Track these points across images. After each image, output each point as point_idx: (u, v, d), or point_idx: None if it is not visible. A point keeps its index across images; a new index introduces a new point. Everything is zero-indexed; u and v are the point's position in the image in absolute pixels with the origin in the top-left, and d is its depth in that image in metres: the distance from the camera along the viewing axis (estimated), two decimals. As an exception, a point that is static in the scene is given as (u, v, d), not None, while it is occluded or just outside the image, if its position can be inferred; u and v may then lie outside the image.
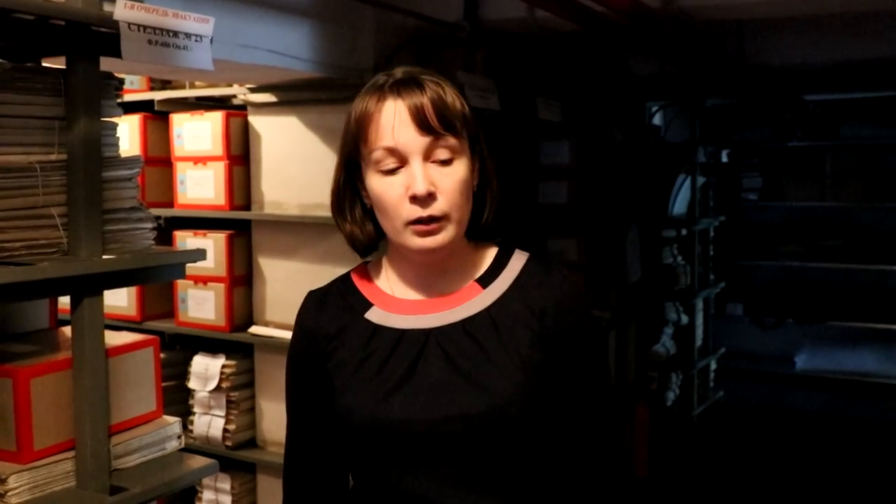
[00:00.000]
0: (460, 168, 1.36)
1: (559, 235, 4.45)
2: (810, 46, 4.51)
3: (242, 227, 3.76)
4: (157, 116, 3.86)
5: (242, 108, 3.76)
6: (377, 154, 1.34)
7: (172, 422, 2.24)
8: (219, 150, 3.67)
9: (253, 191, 3.72)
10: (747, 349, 6.64)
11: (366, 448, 1.41)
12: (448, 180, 1.34)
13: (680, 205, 5.74)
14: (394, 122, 1.33)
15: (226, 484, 3.80)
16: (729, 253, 6.66)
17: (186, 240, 3.75)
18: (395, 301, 1.44)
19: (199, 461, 2.24)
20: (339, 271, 3.49)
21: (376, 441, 1.38)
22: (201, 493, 3.86)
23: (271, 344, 3.68)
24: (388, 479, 1.39)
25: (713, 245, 6.25)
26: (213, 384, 3.73)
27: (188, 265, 2.14)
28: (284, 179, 3.64)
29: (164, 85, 3.89)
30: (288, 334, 3.52)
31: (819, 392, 6.28)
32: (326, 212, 3.43)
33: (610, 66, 4.93)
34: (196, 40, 1.88)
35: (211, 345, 3.79)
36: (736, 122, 6.60)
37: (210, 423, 3.76)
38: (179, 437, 2.28)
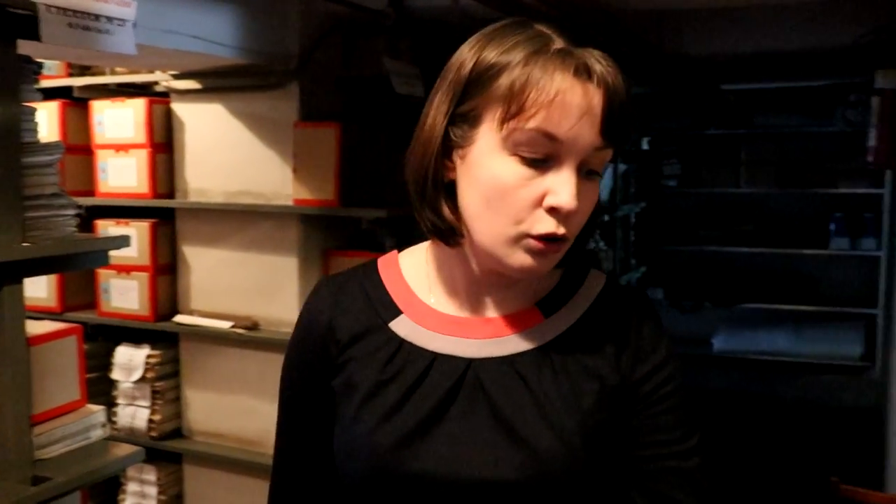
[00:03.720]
0: (598, 187, 1.08)
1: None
2: (727, 37, 4.62)
3: (166, 215, 3.71)
4: (76, 103, 3.77)
5: (165, 95, 3.70)
6: (531, 135, 1.01)
7: (97, 410, 2.22)
8: (141, 137, 3.61)
9: (177, 179, 3.67)
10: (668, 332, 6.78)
11: (366, 498, 1.12)
12: (589, 199, 1.06)
13: (602, 192, 5.82)
14: (576, 110, 1.00)
15: (151, 475, 3.76)
16: (650, 238, 6.79)
17: (108, 229, 3.68)
18: (431, 313, 1.15)
19: (124, 449, 2.22)
20: (267, 259, 3.54)
21: (382, 493, 1.09)
22: (126, 484, 3.81)
23: (197, 333, 3.65)
24: None
25: (635, 231, 6.37)
26: (137, 374, 3.67)
27: (111, 255, 2.11)
28: (209, 167, 3.60)
29: (84, 71, 3.80)
30: (213, 323, 3.53)
31: (735, 372, 6.47)
32: (252, 199, 3.47)
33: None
34: (118, 24, 1.84)
35: (135, 335, 3.74)
36: (656, 111, 6.72)
37: (135, 413, 3.70)
38: (104, 425, 2.26)
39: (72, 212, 1.98)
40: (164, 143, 3.66)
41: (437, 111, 1.08)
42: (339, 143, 3.34)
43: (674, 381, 1.13)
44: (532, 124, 1.00)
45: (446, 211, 1.08)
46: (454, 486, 1.05)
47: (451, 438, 1.07)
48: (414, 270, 1.19)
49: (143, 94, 3.73)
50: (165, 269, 3.69)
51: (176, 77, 3.60)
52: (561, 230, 1.02)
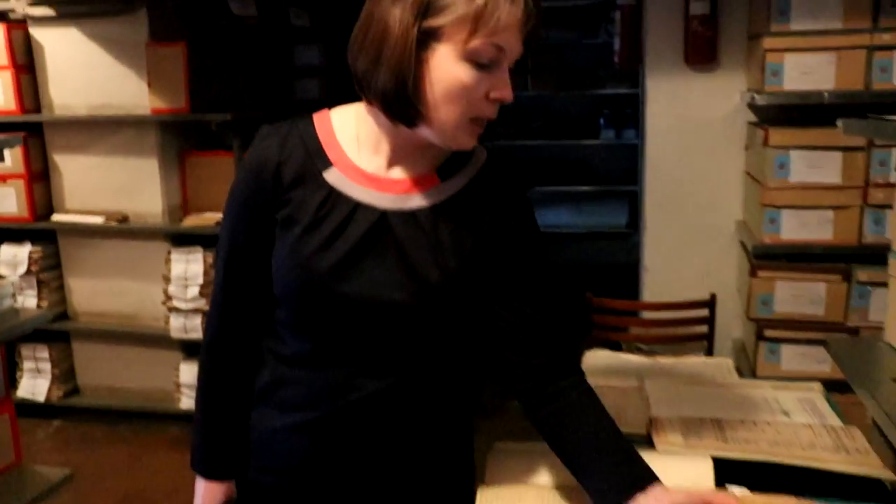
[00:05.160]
0: None
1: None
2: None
3: (36, 129, 3.80)
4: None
5: (23, 21, 3.74)
6: (487, 48, 1.13)
7: (5, 284, 2.43)
8: (4, 60, 3.68)
9: (42, 96, 3.78)
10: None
11: (299, 312, 1.27)
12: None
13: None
14: (517, 27, 1.14)
15: (44, 353, 3.94)
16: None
17: (-18, 143, 3.74)
18: (356, 168, 1.25)
19: (28, 312, 2.44)
20: (130, 162, 3.76)
21: (314, 308, 1.24)
22: (22, 363, 3.97)
23: (73, 229, 3.82)
24: (310, 344, 1.28)
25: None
26: (22, 269, 3.82)
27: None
28: (71, 85, 3.72)
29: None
30: (88, 219, 3.71)
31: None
32: (114, 111, 3.66)
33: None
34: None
35: (17, 235, 3.86)
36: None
37: (23, 302, 3.85)
38: (13, 295, 2.48)
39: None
40: (25, 64, 3.74)
41: (402, 25, 1.13)
42: (187, 59, 3.55)
43: (536, 233, 1.33)
44: (490, 40, 1.12)
45: (416, 102, 1.16)
46: (370, 304, 1.21)
47: (370, 269, 1.21)
48: (343, 129, 1.28)
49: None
50: (39, 176, 3.82)
51: (31, 4, 3.65)
52: (494, 116, 1.19)
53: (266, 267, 1.27)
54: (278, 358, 1.32)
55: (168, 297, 3.68)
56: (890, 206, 2.76)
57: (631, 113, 6.43)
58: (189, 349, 3.85)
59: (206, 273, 3.62)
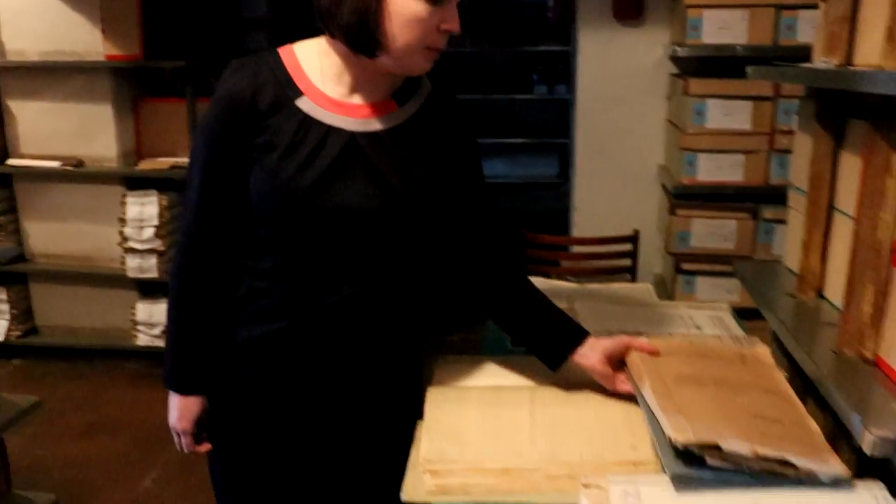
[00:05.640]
0: None
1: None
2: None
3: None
4: None
5: (-27, -32, 3.66)
6: None
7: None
8: (-47, 6, 3.60)
9: (-6, 42, 3.71)
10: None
11: (277, 227, 1.35)
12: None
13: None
14: None
15: (2, 295, 3.92)
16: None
17: (-65, 88, 3.67)
18: (323, 96, 1.33)
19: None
20: (85, 108, 3.74)
21: (296, 223, 1.32)
22: (-20, 304, 3.95)
23: (29, 173, 3.79)
24: (289, 257, 1.36)
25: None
26: (-22, 212, 3.78)
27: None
28: (23, 31, 3.66)
29: None
30: (43, 164, 3.68)
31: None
32: (68, 57, 3.60)
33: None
34: None
35: (-28, 179, 3.82)
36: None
37: (-20, 244, 3.82)
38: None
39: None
40: (-24, 11, 3.66)
41: None
42: (140, 6, 3.52)
43: (478, 148, 1.48)
44: None
45: (377, 34, 1.25)
46: (346, 215, 1.31)
47: (344, 185, 1.30)
48: (308, 61, 1.35)
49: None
50: (-7, 122, 3.77)
51: (-18, -48, 3.57)
52: (446, 44, 1.30)
53: (242, 191, 1.33)
54: (255, 273, 1.39)
55: (124, 239, 3.70)
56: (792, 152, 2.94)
57: (562, 69, 6.53)
58: (145, 288, 3.88)
59: (160, 215, 3.65)
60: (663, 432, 1.21)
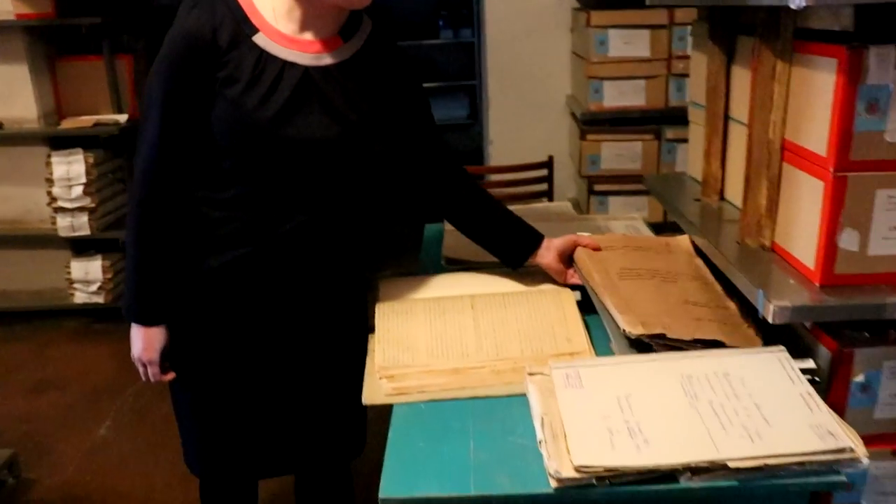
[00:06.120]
0: None
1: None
2: None
3: None
4: None
5: None
6: None
7: None
8: None
9: None
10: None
11: (240, 158, 1.37)
12: None
13: None
14: None
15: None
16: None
17: None
18: (277, 32, 1.36)
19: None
20: (1, 69, 3.53)
21: (260, 152, 1.35)
22: None
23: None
24: (250, 187, 1.38)
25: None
26: None
27: None
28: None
29: None
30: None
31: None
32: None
33: None
34: None
35: None
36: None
37: None
38: None
39: None
40: None
41: None
42: (47, -36, 3.38)
43: (420, 76, 1.54)
44: None
45: None
46: (305, 144, 1.35)
47: (302, 116, 1.34)
48: (260, 1, 1.37)
49: None
50: None
51: None
52: None
53: (202, 124, 1.35)
54: (214, 204, 1.42)
55: (53, 199, 3.61)
56: (688, 75, 3.07)
57: (467, 13, 6.54)
58: (78, 247, 3.80)
59: (88, 173, 3.56)
60: (617, 326, 1.33)
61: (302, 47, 1.37)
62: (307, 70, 1.36)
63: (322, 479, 1.76)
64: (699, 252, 1.65)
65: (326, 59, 1.38)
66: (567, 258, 1.59)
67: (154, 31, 3.71)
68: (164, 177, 1.38)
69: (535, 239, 1.59)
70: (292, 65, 1.35)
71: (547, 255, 1.57)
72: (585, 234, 1.66)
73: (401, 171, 1.58)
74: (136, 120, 3.52)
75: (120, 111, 3.69)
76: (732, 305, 1.45)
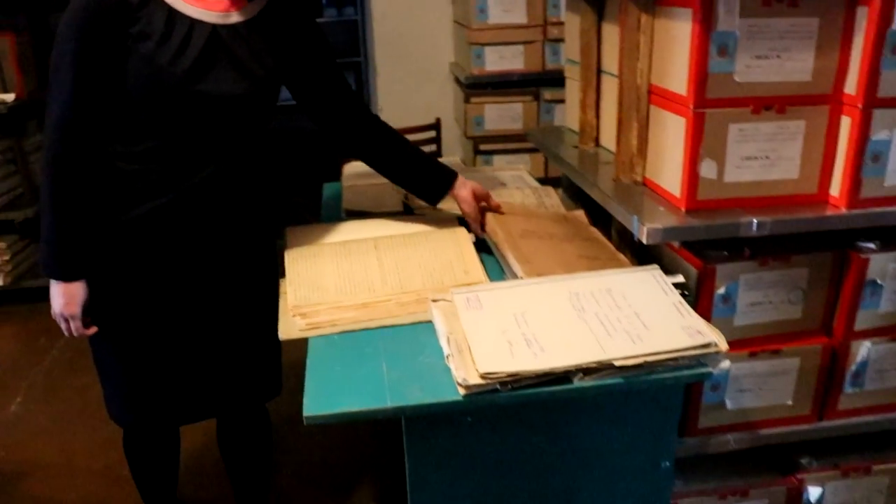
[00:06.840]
0: None
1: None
2: None
3: None
4: None
5: None
6: None
7: None
8: None
9: None
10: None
11: (153, 111, 1.36)
12: None
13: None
14: None
15: None
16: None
17: None
18: None
19: None
20: None
21: (172, 106, 1.35)
22: None
23: None
24: (162, 140, 1.38)
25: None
26: None
27: None
28: None
29: None
30: None
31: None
32: None
33: None
34: None
35: None
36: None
37: None
38: None
39: None
40: None
41: None
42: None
43: (321, 30, 1.53)
44: None
45: None
46: (216, 98, 1.36)
47: (213, 72, 1.35)
48: None
49: None
50: None
51: None
52: None
53: (115, 80, 1.33)
54: (130, 157, 1.40)
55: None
56: (563, 40, 3.16)
57: (351, -10, 6.47)
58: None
59: (-25, 150, 3.35)
60: (514, 272, 1.40)
61: (209, 5, 1.37)
62: (215, 28, 1.36)
63: (243, 422, 1.77)
64: (594, 225, 1.74)
65: (234, 17, 1.39)
66: (479, 199, 1.63)
67: (33, 8, 3.51)
68: (79, 133, 1.35)
69: (451, 174, 1.64)
70: (200, 23, 1.35)
71: (463, 189, 1.62)
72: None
73: (315, 119, 1.60)
74: (24, 100, 3.33)
75: (6, 91, 3.47)
76: (624, 258, 1.53)
